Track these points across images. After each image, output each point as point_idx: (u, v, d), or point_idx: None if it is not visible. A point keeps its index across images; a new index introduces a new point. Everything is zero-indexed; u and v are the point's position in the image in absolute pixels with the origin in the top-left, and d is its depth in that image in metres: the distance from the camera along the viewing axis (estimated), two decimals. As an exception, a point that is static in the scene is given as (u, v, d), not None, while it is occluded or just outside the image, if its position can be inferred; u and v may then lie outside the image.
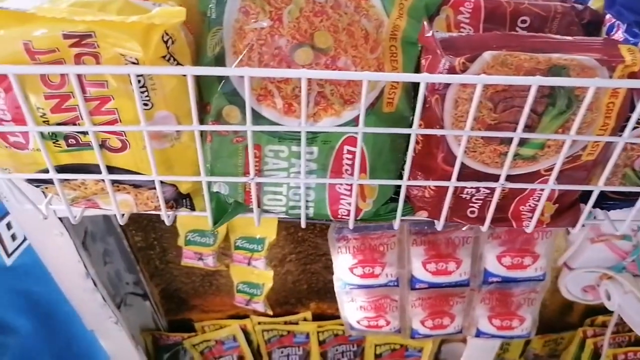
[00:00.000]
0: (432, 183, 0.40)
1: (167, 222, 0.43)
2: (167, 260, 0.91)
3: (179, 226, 0.70)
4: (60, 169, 0.39)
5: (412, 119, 0.41)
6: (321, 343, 1.02)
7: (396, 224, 0.43)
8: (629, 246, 0.62)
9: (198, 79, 0.39)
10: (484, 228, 0.43)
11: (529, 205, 0.43)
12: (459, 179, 0.40)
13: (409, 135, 0.42)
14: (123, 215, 0.43)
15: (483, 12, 0.40)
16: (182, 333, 1.03)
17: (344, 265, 0.68)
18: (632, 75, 0.34)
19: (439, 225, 0.43)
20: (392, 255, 0.67)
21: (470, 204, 0.43)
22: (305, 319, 1.02)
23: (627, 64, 0.34)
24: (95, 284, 0.74)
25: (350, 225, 0.43)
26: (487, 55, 0.34)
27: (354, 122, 0.39)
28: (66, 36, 0.32)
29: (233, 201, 0.43)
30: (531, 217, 0.43)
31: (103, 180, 0.39)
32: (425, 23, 0.36)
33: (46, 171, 0.39)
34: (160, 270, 0.93)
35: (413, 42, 0.40)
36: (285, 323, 1.01)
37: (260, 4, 0.37)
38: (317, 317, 1.02)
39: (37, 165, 0.39)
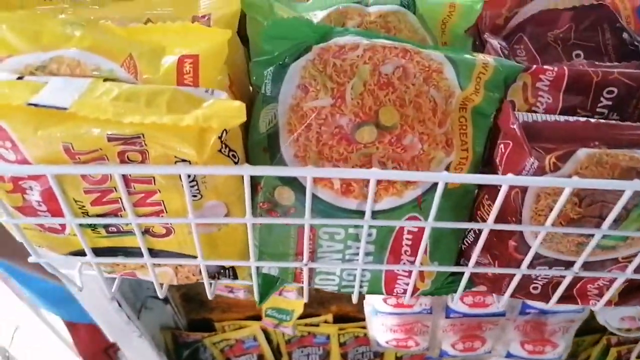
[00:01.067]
0: (500, 270, 0.37)
1: (210, 296, 0.40)
2: (188, 267, 0.89)
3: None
4: (98, 250, 0.36)
5: (477, 193, 0.38)
6: (342, 345, 1.02)
7: (454, 303, 0.40)
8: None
9: (249, 153, 0.35)
10: (549, 306, 0.41)
11: (597, 285, 0.40)
12: (531, 265, 0.37)
13: (470, 215, 0.38)
14: (162, 286, 0.41)
15: (566, 81, 0.35)
16: (203, 332, 1.03)
17: (377, 296, 0.66)
18: None
19: (500, 304, 0.41)
20: (428, 287, 0.65)
21: (535, 282, 0.40)
22: (326, 322, 1.01)
23: None
24: (119, 304, 0.72)
25: (405, 301, 0.40)
26: (582, 154, 0.30)
27: (416, 201, 0.36)
28: (111, 139, 0.28)
29: (282, 279, 0.40)
30: (599, 296, 0.40)
31: (144, 261, 0.36)
32: (510, 110, 0.32)
33: (82, 253, 0.36)
34: (182, 277, 0.92)
35: (485, 114, 0.36)
36: (306, 325, 1.01)
37: (322, 80, 0.33)
38: (338, 319, 1.01)
39: (73, 246, 0.36)
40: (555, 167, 0.30)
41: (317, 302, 0.99)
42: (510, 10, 0.42)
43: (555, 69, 0.35)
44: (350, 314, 1.00)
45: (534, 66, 0.35)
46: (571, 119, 0.33)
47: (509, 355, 0.74)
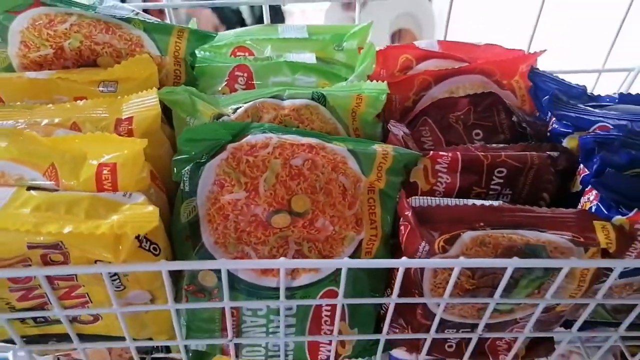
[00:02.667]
0: (411, 336, 0.41)
1: (144, 372, 0.42)
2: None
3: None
4: (29, 338, 0.37)
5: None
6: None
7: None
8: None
9: (172, 240, 0.38)
10: (462, 363, 0.44)
11: (505, 341, 0.43)
12: (440, 329, 0.40)
13: (387, 280, 0.42)
14: (97, 365, 0.42)
15: (460, 165, 0.39)
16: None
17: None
18: (604, 252, 0.35)
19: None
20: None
21: (448, 341, 0.43)
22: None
23: (601, 246, 0.34)
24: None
25: (330, 366, 0.43)
26: (467, 237, 0.34)
27: (333, 276, 0.39)
28: (31, 247, 0.30)
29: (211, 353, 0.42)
30: (507, 350, 0.44)
31: (75, 347, 0.38)
32: (404, 199, 0.36)
33: (12, 341, 0.37)
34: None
35: (390, 197, 0.40)
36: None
37: (236, 176, 0.36)
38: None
39: (3, 335, 0.37)
40: (443, 249, 0.34)
41: None
42: (417, 93, 0.46)
43: (450, 154, 0.39)
44: None
45: (431, 152, 0.40)
46: (460, 202, 0.37)
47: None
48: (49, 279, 0.32)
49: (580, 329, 0.44)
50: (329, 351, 0.42)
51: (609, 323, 0.44)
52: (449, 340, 0.43)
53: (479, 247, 0.35)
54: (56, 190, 0.32)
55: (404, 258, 0.34)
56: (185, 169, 0.36)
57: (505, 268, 0.35)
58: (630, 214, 0.35)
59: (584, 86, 0.46)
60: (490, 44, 0.51)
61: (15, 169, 0.32)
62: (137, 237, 0.32)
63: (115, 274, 0.33)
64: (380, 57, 0.48)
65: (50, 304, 0.34)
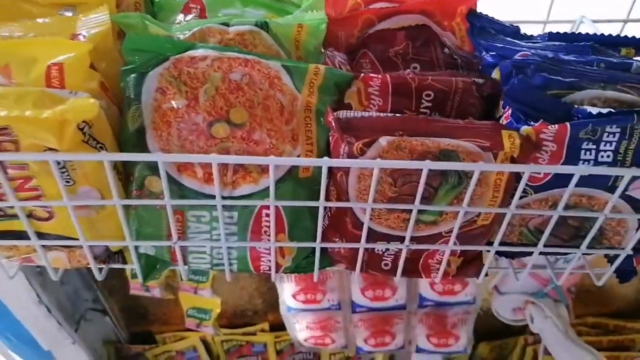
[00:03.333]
0: (344, 245, 0.44)
1: (99, 278, 0.46)
2: (123, 277, 0.93)
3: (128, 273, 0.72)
4: (-9, 235, 0.41)
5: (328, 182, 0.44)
6: (279, 353, 1.06)
7: (315, 276, 0.47)
8: (549, 274, 0.67)
9: (121, 149, 0.42)
10: (397, 279, 0.47)
11: (436, 259, 0.46)
12: (369, 240, 0.43)
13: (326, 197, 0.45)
14: (57, 271, 0.46)
15: (390, 87, 0.43)
16: (144, 345, 1.06)
17: (287, 292, 0.72)
18: (513, 160, 0.38)
19: (355, 276, 0.47)
20: (333, 282, 0.71)
21: (384, 258, 0.46)
22: (263, 330, 1.06)
23: (506, 151, 0.37)
24: (49, 310, 0.76)
25: (273, 279, 0.46)
26: (383, 140, 0.37)
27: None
28: (-17, 130, 0.34)
29: (161, 259, 0.45)
30: (439, 270, 0.47)
31: (33, 244, 0.41)
32: (328, 108, 0.39)
33: (-23, 237, 0.41)
34: (118, 288, 0.96)
35: (324, 114, 0.43)
36: (244, 334, 1.05)
37: (177, 85, 0.39)
38: (275, 328, 1.06)
39: (-31, 232, 0.41)
40: (362, 151, 0.37)
41: (253, 312, 1.04)
42: (362, 31, 0.50)
43: (380, 77, 0.43)
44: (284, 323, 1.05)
45: (362, 74, 0.43)
46: (382, 114, 0.40)
47: (418, 349, 0.80)
48: (3, 166, 0.36)
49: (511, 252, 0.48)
50: (270, 261, 0.45)
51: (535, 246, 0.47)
52: (384, 258, 0.46)
53: (395, 151, 0.38)
54: (9, 86, 0.36)
55: (325, 157, 0.38)
56: (131, 76, 0.39)
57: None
58: (536, 124, 0.38)
59: (517, 26, 0.49)
60: (437, -9, 0.54)
61: (-27, 67, 0.36)
62: (82, 130, 0.36)
63: (64, 165, 0.37)
64: (330, -1, 0.52)
65: (6, 195, 0.37)
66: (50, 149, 0.36)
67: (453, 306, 0.73)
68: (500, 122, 0.42)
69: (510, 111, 0.40)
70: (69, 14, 0.43)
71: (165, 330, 1.06)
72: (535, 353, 1.02)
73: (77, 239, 0.42)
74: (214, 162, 0.37)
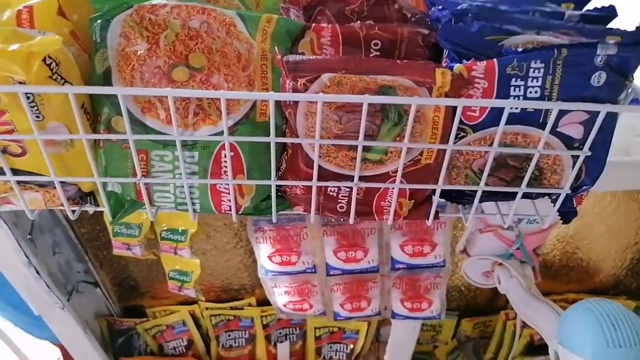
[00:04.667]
0: (296, 183, 0.47)
1: (72, 217, 0.49)
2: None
3: (105, 219, 0.76)
4: (-29, 171, 0.45)
5: (282, 127, 0.48)
6: (265, 326, 1.09)
7: (273, 217, 0.50)
8: (514, 235, 0.69)
9: (90, 93, 0.45)
10: (350, 221, 0.50)
11: (388, 201, 0.49)
12: (321, 179, 0.46)
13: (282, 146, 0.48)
14: (33, 211, 0.49)
15: (341, 37, 0.46)
16: (135, 318, 1.09)
17: (263, 254, 0.75)
18: (447, 95, 0.41)
19: (312, 218, 0.50)
20: (307, 245, 0.74)
21: (338, 200, 0.49)
22: (250, 305, 1.08)
23: (438, 85, 0.40)
24: (38, 272, 0.79)
25: (234, 219, 0.49)
26: (325, 77, 0.41)
27: (229, 130, 0.46)
28: (-43, 61, 0.37)
29: (129, 199, 0.49)
30: (390, 211, 0.50)
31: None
32: (276, 48, 0.43)
33: (-43, 173, 0.44)
34: (109, 260, 0.99)
35: (280, 62, 0.46)
36: (232, 308, 1.08)
37: (139, 29, 0.43)
38: (261, 303, 1.09)
39: (-50, 168, 0.45)
40: (305, 87, 0.41)
41: (240, 286, 1.07)
42: (321, -10, 0.53)
43: (330, 27, 0.46)
44: (271, 297, 1.08)
45: (314, 24, 0.46)
46: (327, 57, 0.44)
47: (393, 315, 0.83)
48: (-23, 100, 0.39)
49: (460, 197, 0.50)
50: (230, 201, 0.48)
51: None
52: (339, 201, 0.49)
53: (336, 87, 0.41)
54: (-16, 27, 0.40)
55: (272, 92, 0.41)
56: (97, 22, 0.43)
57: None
58: (468, 62, 0.41)
59: (468, -14, 0.52)
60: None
61: (-48, 10, 0.40)
62: (49, 67, 0.39)
63: (33, 100, 0.40)
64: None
65: (-18, 129, 0.41)
66: (20, 83, 0.39)
67: (424, 270, 0.76)
68: (441, 66, 0.45)
69: (446, 53, 0.43)
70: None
71: (155, 305, 1.10)
72: (515, 327, 1.04)
73: (49, 176, 0.45)
74: (170, 95, 0.40)
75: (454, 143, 0.44)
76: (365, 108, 0.41)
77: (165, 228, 0.73)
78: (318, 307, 0.83)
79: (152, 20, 0.43)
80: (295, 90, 0.41)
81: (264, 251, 0.75)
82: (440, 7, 0.49)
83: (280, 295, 0.81)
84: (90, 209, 0.50)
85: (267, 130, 0.47)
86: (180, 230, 0.72)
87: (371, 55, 0.47)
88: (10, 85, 0.39)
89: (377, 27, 0.46)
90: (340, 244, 0.73)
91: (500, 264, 0.72)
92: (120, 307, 1.11)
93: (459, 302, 1.12)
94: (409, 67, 0.42)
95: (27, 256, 0.76)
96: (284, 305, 0.83)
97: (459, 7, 0.46)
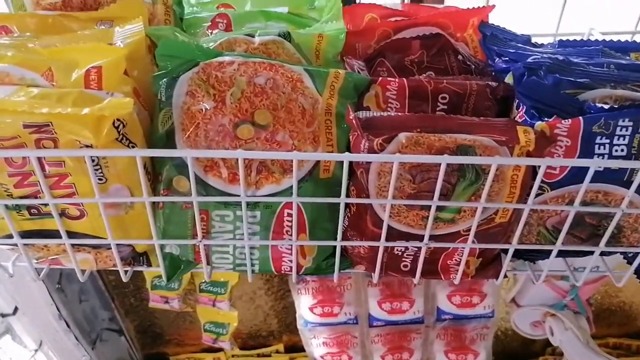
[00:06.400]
0: (364, 243, 0.45)
1: (124, 279, 0.47)
2: (141, 297, 0.94)
3: (145, 272, 0.74)
4: (24, 233, 0.43)
5: (348, 183, 0.46)
6: (293, 374, 1.05)
7: (335, 277, 0.47)
8: (568, 286, 0.67)
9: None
10: (416, 280, 0.48)
11: (455, 260, 0.47)
12: (389, 239, 0.44)
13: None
14: (84, 272, 0.47)
15: (407, 90, 0.45)
16: (158, 366, 1.05)
17: (304, 305, 0.72)
18: (529, 154, 0.39)
19: (375, 278, 0.48)
20: (350, 295, 0.71)
21: (403, 259, 0.47)
22: (277, 352, 1.05)
23: (521, 145, 0.38)
24: (68, 325, 0.77)
25: (294, 279, 0.47)
26: (402, 136, 0.39)
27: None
28: (26, 126, 0.36)
29: (185, 259, 0.47)
30: (457, 271, 0.47)
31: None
32: (349, 106, 0.41)
33: (10, 236, 0.42)
34: (135, 307, 0.96)
35: (344, 116, 0.45)
36: (258, 355, 1.04)
37: (205, 87, 0.42)
38: (289, 349, 1.05)
39: (2, 231, 0.43)
40: (381, 147, 0.39)
41: (268, 333, 1.04)
42: (378, 42, 0.52)
43: (397, 81, 0.45)
44: (299, 344, 1.04)
45: (381, 78, 0.45)
46: (400, 114, 0.42)
47: (437, 366, 0.79)
48: (41, 163, 0.38)
49: (528, 254, 0.48)
50: (291, 261, 0.46)
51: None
52: (403, 259, 0.47)
53: (414, 147, 0.39)
54: (51, 88, 0.38)
55: (347, 153, 0.39)
56: (163, 80, 0.41)
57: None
58: (550, 120, 0.39)
59: (529, 35, 0.51)
60: (449, 6, 0.56)
61: (18, 71, 0.38)
62: (117, 129, 0.38)
63: (98, 163, 0.39)
64: (347, 14, 0.54)
65: (43, 192, 0.39)
66: (86, 146, 0.37)
67: (471, 320, 0.73)
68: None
69: (524, 109, 0.42)
70: (106, 26, 0.45)
71: (180, 352, 1.06)
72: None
73: (106, 238, 0.43)
74: (240, 157, 0.39)
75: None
76: (443, 168, 0.39)
77: (205, 280, 0.71)
78: (357, 358, 0.79)
79: (218, 77, 0.42)
80: (371, 149, 0.39)
81: (305, 302, 0.72)
82: (507, 58, 0.47)
83: (318, 347, 0.78)
84: (144, 269, 0.48)
85: (330, 187, 0.45)
86: (221, 282, 0.70)
87: (438, 109, 0.45)
88: (77, 149, 0.37)
89: (445, 81, 0.45)
90: (385, 295, 0.70)
91: (553, 314, 0.69)
92: (144, 354, 1.07)
93: (495, 346, 1.08)
94: (489, 125, 0.40)
95: (58, 308, 0.73)
96: (321, 357, 0.79)
97: (531, 60, 0.44)
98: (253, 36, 0.47)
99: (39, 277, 0.46)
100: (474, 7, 0.54)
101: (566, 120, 0.38)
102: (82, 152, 0.37)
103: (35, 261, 0.46)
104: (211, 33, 0.50)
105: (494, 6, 0.53)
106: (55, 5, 0.48)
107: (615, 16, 0.64)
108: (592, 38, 0.59)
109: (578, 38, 0.61)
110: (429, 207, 0.42)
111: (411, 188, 0.41)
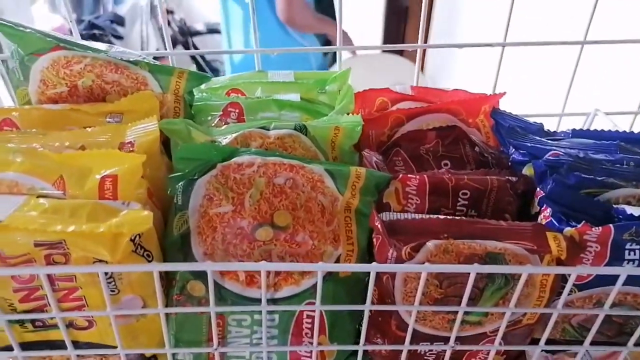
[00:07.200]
0: (387, 347, 0.43)
1: (132, 385, 0.44)
2: None
3: None
4: (26, 345, 0.40)
5: (367, 280, 0.44)
6: None
7: (356, 381, 0.45)
8: (582, 363, 0.65)
9: (165, 253, 0.41)
10: (439, 381, 0.46)
11: (479, 358, 0.45)
12: (413, 341, 0.42)
13: (365, 297, 0.44)
14: (87, 379, 0.44)
15: (428, 186, 0.44)
16: None
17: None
18: (560, 261, 0.38)
19: (397, 379, 0.45)
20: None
21: (425, 357, 0.45)
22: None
23: (553, 254, 0.37)
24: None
25: (312, 382, 0.45)
26: (431, 245, 0.38)
27: (312, 289, 0.42)
28: (37, 244, 0.34)
29: (197, 364, 0.44)
30: (482, 369, 0.46)
31: (68, 354, 0.40)
32: (374, 212, 0.40)
33: (10, 348, 0.39)
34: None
35: (365, 214, 0.43)
36: None
37: (224, 191, 0.40)
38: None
39: (2, 342, 0.40)
40: (410, 256, 0.38)
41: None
42: (392, 129, 0.52)
43: (418, 177, 0.44)
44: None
45: (401, 175, 0.44)
46: (425, 217, 0.41)
47: None
48: (50, 279, 0.35)
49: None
50: (310, 364, 0.44)
51: (579, 342, 0.47)
52: (426, 356, 0.45)
53: (442, 255, 0.38)
54: (63, 198, 0.36)
55: (374, 263, 0.38)
56: (179, 184, 0.40)
57: (469, 277, 0.38)
58: (579, 226, 0.39)
59: (541, 123, 0.52)
60: (457, 89, 0.57)
61: (28, 180, 0.36)
62: (133, 242, 0.36)
63: (111, 276, 0.36)
64: (359, 99, 0.54)
65: (50, 306, 0.37)
66: (99, 260, 0.35)
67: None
68: (539, 221, 0.43)
69: (550, 212, 0.41)
70: (116, 120, 0.44)
71: None
72: None
73: (115, 347, 0.40)
74: (263, 269, 0.37)
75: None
76: (472, 277, 0.38)
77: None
78: None
79: (237, 179, 0.40)
80: (398, 259, 0.38)
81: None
82: (524, 151, 0.47)
83: None
84: (151, 373, 0.45)
85: (350, 286, 0.43)
86: None
87: (459, 204, 0.44)
88: (90, 266, 0.35)
89: (466, 177, 0.44)
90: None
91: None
92: None
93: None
94: (517, 231, 0.39)
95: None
96: None
97: (551, 157, 0.44)
98: (268, 129, 0.46)
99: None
100: (484, 95, 0.54)
101: (597, 227, 0.38)
102: (97, 269, 0.35)
103: (35, 369, 0.43)
104: (223, 123, 0.49)
105: (504, 93, 0.54)
106: (61, 94, 0.46)
107: (617, 95, 0.65)
108: (597, 119, 0.60)
109: (582, 118, 0.62)
110: (455, 312, 0.40)
111: (438, 293, 0.40)
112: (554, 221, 0.40)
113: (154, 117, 0.42)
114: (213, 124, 0.49)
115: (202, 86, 0.51)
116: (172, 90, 0.47)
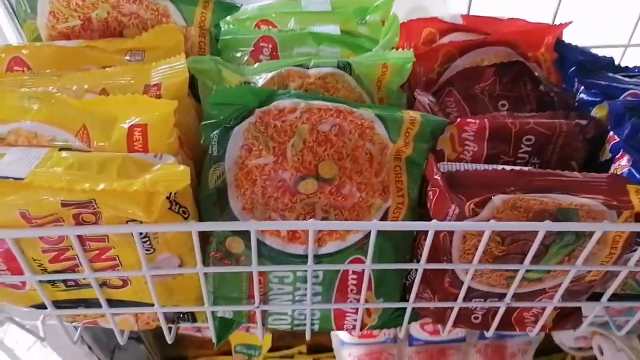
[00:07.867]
0: (439, 304, 0.40)
1: (169, 340, 0.42)
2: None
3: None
4: (59, 303, 0.38)
5: (416, 234, 0.41)
6: (317, 375, 1.03)
7: (401, 334, 0.43)
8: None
9: (200, 207, 0.38)
10: (489, 334, 0.44)
11: (532, 312, 0.43)
12: (467, 297, 0.40)
13: (412, 252, 0.41)
14: (123, 332, 0.42)
15: (488, 132, 0.39)
16: (178, 370, 1.03)
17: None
18: (638, 216, 0.34)
19: (444, 331, 0.44)
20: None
21: (474, 313, 0.43)
22: (300, 353, 1.02)
23: (636, 209, 0.34)
24: (90, 348, 0.73)
25: (356, 335, 0.43)
26: (498, 200, 0.34)
27: (359, 244, 0.39)
28: (65, 204, 0.30)
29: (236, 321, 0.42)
30: (534, 322, 0.43)
31: (104, 312, 0.38)
32: (433, 162, 0.36)
33: (44, 306, 0.38)
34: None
35: (418, 164, 0.39)
36: (281, 357, 1.02)
37: (264, 140, 0.36)
38: (312, 350, 1.03)
39: (34, 300, 0.38)
40: (474, 212, 0.34)
41: (291, 334, 1.01)
42: (442, 65, 0.46)
43: (477, 121, 0.39)
44: (323, 344, 1.01)
45: (459, 119, 0.39)
46: (489, 167, 0.37)
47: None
48: (81, 239, 0.32)
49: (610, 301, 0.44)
50: (355, 320, 0.42)
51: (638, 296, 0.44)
52: (475, 312, 0.43)
53: (510, 211, 0.34)
54: (88, 151, 0.32)
55: (434, 221, 0.34)
56: (214, 133, 0.36)
57: (536, 233, 0.34)
58: (663, 176, 0.34)
59: (612, 57, 0.46)
60: (514, 18, 0.50)
61: (48, 130, 0.32)
62: (168, 199, 0.32)
63: (146, 235, 0.33)
64: (404, 30, 0.48)
65: (82, 266, 0.34)
66: (132, 220, 0.32)
67: (516, 337, 0.70)
68: (612, 170, 0.38)
69: (628, 160, 0.36)
70: (137, 58, 0.39)
71: (200, 355, 1.03)
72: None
73: (151, 304, 0.38)
74: (311, 228, 0.33)
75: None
76: (541, 235, 0.34)
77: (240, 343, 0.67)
78: (392, 373, 0.77)
79: (277, 127, 0.36)
80: (461, 216, 0.34)
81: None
82: (596, 91, 0.42)
83: (353, 363, 0.75)
84: (189, 325, 0.44)
85: (399, 241, 0.40)
86: (256, 346, 0.66)
87: (521, 151, 0.40)
88: (124, 226, 0.32)
89: (532, 122, 0.39)
90: (428, 317, 0.67)
91: (602, 333, 0.66)
92: (163, 357, 1.04)
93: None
94: (593, 183, 0.35)
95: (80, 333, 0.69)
96: (355, 372, 0.77)
97: (629, 97, 0.39)
98: (307, 67, 0.40)
99: (74, 342, 0.42)
100: (547, 24, 0.47)
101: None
102: (132, 228, 0.32)
103: (70, 323, 0.42)
104: (255, 60, 0.43)
105: (570, 22, 0.47)
106: (74, 29, 0.41)
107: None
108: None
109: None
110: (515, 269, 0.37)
111: (499, 250, 0.37)
112: (633, 171, 0.36)
113: (181, 55, 0.37)
114: (243, 61, 0.44)
115: (228, 17, 0.46)
116: (197, 22, 0.42)
